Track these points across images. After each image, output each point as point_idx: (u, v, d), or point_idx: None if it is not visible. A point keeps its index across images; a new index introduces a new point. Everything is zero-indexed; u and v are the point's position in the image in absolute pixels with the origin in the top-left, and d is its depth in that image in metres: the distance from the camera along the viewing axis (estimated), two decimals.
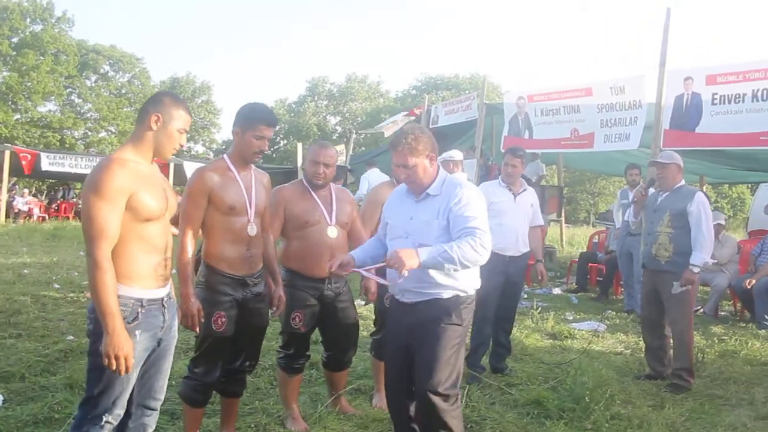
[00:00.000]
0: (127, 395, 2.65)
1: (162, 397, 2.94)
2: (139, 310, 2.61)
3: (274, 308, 3.66)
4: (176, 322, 2.92)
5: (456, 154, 6.16)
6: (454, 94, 39.21)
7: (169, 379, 4.54)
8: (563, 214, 15.32)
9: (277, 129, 54.10)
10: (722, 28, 71.75)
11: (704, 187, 13.33)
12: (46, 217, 22.69)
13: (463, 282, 3.15)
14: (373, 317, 4.68)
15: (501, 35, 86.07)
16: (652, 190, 5.67)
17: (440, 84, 49.04)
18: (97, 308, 2.48)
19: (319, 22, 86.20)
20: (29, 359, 4.85)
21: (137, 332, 2.59)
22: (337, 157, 4.06)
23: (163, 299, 2.73)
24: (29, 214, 22.22)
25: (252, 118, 3.36)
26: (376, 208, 4.26)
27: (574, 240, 18.08)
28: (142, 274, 2.62)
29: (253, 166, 3.52)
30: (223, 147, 49.89)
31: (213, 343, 3.32)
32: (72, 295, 7.75)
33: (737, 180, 19.19)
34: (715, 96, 8.13)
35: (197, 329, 3.21)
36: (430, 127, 13.44)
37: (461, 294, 3.16)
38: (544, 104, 10.63)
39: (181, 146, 2.78)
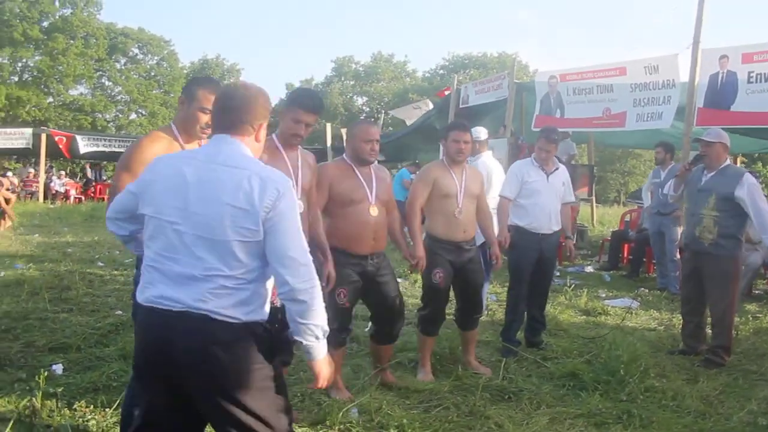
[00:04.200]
0: None
1: None
2: None
3: (325, 284, 3.80)
4: None
5: (481, 133, 6.13)
6: (482, 74, 39.02)
7: None
8: (594, 193, 15.27)
9: None
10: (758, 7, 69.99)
11: (738, 163, 13.18)
12: (83, 198, 23.17)
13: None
14: (404, 294, 4.82)
15: (529, 14, 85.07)
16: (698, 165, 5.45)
17: (468, 63, 48.74)
18: None
19: (345, 1, 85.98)
20: (83, 332, 5.08)
21: None
22: None
23: None
24: (66, 196, 22.72)
25: (293, 100, 3.50)
26: (426, 186, 4.57)
27: (604, 219, 18.01)
28: None
29: (300, 146, 3.65)
30: None
31: None
32: (116, 272, 8.02)
33: None
34: (752, 74, 8.04)
35: None
36: (460, 106, 13.46)
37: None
38: (577, 83, 10.59)
39: (208, 125, 2.92)
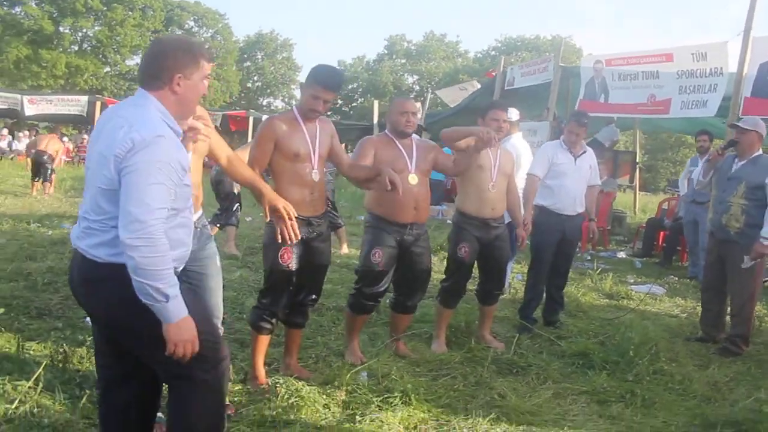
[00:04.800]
0: None
1: (219, 314, 3.29)
2: None
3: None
4: (210, 247, 3.23)
5: (513, 114, 6.06)
6: (534, 56, 38.48)
7: (241, 313, 5.02)
8: (637, 181, 15.05)
9: (354, 86, 53.09)
10: None
11: None
12: None
13: None
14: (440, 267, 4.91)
15: None
16: (730, 152, 5.44)
17: (520, 45, 48.13)
18: None
19: None
20: None
21: None
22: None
23: None
24: None
25: (313, 76, 3.63)
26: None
27: (648, 207, 17.70)
28: None
29: (322, 117, 3.78)
30: None
31: (279, 276, 3.64)
32: None
33: None
34: None
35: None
36: (506, 88, 13.38)
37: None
38: (622, 69, 10.44)
39: None
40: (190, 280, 3.12)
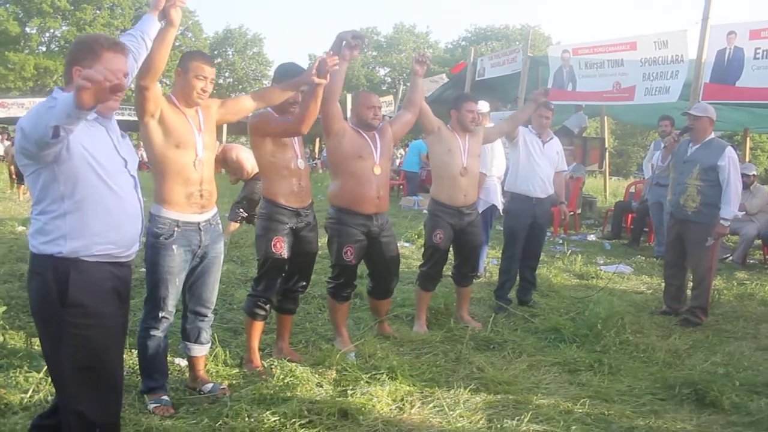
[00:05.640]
0: (173, 297, 3.32)
1: (211, 306, 3.61)
2: (175, 228, 3.23)
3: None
4: (219, 246, 3.52)
5: (483, 106, 6.42)
6: (504, 45, 38.90)
7: (231, 304, 5.26)
8: (606, 166, 15.48)
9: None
10: None
11: (748, 138, 13.29)
12: None
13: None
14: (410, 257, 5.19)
15: None
16: (684, 137, 5.77)
17: (490, 35, 48.53)
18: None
19: None
20: None
21: (174, 246, 3.23)
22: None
23: (199, 223, 3.34)
24: None
25: (289, 73, 3.87)
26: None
27: (618, 192, 18.17)
28: (177, 201, 3.25)
29: None
30: None
31: (272, 264, 3.92)
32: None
33: None
34: (758, 50, 8.19)
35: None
36: (477, 79, 13.69)
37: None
38: (589, 57, 10.80)
39: (204, 90, 3.33)
40: (193, 275, 3.40)
